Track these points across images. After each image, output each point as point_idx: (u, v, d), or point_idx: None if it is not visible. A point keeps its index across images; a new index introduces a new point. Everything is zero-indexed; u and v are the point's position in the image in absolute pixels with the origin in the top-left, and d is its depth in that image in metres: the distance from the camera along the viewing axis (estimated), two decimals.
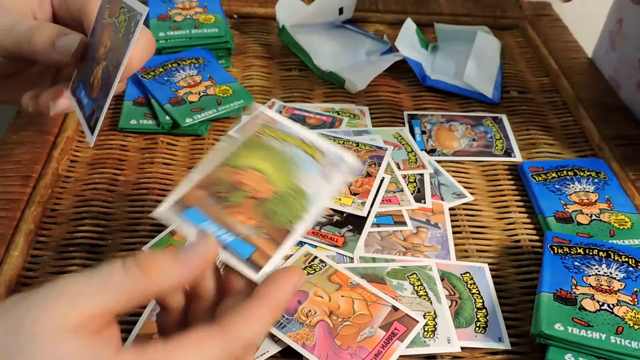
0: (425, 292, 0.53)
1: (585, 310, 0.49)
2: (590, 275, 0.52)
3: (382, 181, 0.63)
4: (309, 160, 0.43)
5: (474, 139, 0.72)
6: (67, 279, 0.31)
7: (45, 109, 0.47)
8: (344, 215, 0.59)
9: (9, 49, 0.45)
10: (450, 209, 0.62)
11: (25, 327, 0.29)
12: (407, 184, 0.64)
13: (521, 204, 0.65)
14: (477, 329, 0.51)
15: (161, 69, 0.74)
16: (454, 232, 0.60)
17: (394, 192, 0.63)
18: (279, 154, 0.43)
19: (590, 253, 0.54)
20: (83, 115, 0.40)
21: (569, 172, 0.66)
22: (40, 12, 0.49)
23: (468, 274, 0.56)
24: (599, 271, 0.53)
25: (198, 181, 0.41)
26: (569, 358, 0.47)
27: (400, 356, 0.48)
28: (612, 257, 0.54)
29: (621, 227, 0.60)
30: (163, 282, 0.33)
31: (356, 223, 0.58)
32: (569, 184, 0.64)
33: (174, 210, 0.39)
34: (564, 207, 0.62)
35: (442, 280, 0.54)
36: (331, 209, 0.59)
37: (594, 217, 0.61)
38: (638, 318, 0.48)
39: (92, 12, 0.45)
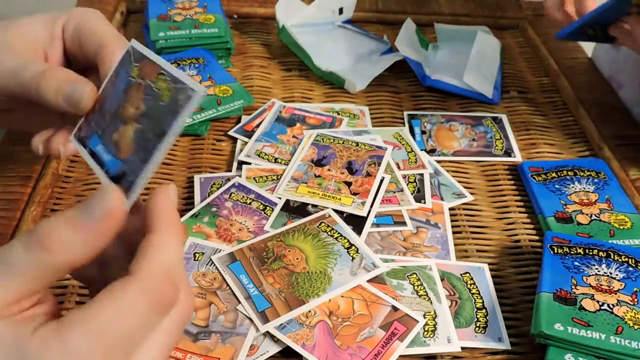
0: (425, 292, 0.53)
1: (585, 310, 0.49)
2: (590, 275, 0.52)
3: (382, 181, 0.63)
4: (347, 258, 0.54)
5: (474, 139, 0.72)
6: None
7: (55, 153, 0.46)
8: (344, 215, 0.59)
9: (15, 93, 0.44)
10: (450, 209, 0.62)
11: None
12: (407, 184, 0.64)
13: (521, 204, 0.65)
14: (477, 329, 0.51)
15: None
16: (454, 232, 0.60)
17: (394, 192, 0.62)
18: (326, 245, 0.55)
19: (590, 253, 0.54)
20: (106, 174, 0.38)
21: (569, 172, 0.66)
22: (51, 48, 0.47)
23: (468, 274, 0.56)
24: (598, 271, 0.53)
25: (251, 244, 0.55)
26: (569, 358, 0.47)
27: (400, 356, 0.48)
28: (612, 257, 0.54)
29: (621, 227, 0.60)
30: (69, 256, 0.30)
31: (356, 223, 0.58)
32: (569, 184, 0.64)
33: (222, 260, 0.54)
34: (564, 207, 0.62)
35: (442, 280, 0.54)
36: (332, 209, 0.59)
37: (594, 217, 0.61)
38: (638, 318, 0.48)
39: (109, 59, 0.42)
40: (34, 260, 0.30)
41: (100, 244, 0.31)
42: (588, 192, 0.64)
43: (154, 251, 0.32)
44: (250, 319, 0.49)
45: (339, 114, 0.74)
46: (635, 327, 0.48)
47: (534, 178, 0.66)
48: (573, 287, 0.51)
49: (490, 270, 0.57)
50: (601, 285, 0.51)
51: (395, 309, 0.51)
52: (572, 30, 0.69)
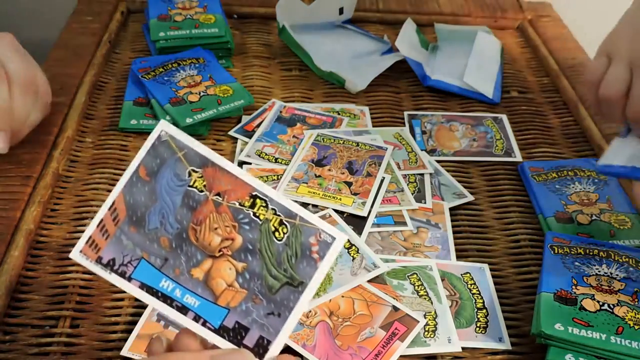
0: (426, 292, 0.53)
1: (586, 310, 0.49)
2: (590, 275, 0.52)
3: (382, 181, 0.63)
4: (348, 258, 0.53)
5: (474, 139, 0.72)
6: None
7: None
8: (345, 215, 0.59)
9: None
10: (451, 209, 0.62)
11: None
12: (408, 184, 0.64)
13: (521, 204, 0.65)
14: (477, 329, 0.51)
15: (161, 69, 0.74)
16: (454, 232, 0.60)
17: (394, 192, 0.62)
18: None
19: (591, 253, 0.54)
20: (203, 325, 0.30)
21: (569, 172, 0.66)
22: None
23: (468, 274, 0.56)
24: (599, 271, 0.53)
25: None
26: (569, 358, 0.47)
27: (400, 356, 0.48)
28: (613, 257, 0.54)
29: (621, 227, 0.60)
30: None
31: (357, 223, 0.58)
32: (569, 184, 0.65)
33: None
34: (564, 207, 0.62)
35: (442, 280, 0.54)
36: (332, 209, 0.59)
37: (594, 217, 0.61)
38: (638, 318, 0.48)
39: None
40: None
41: None
42: (588, 192, 0.64)
43: None
44: None
45: (339, 114, 0.74)
46: (636, 327, 0.48)
47: (534, 178, 0.66)
48: (573, 287, 0.51)
49: (491, 270, 0.57)
50: (601, 285, 0.51)
51: (395, 309, 0.51)
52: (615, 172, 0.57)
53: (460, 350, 0.49)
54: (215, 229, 0.31)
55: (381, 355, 0.47)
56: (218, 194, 0.30)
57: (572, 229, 0.59)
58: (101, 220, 0.31)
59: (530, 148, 0.72)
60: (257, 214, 0.30)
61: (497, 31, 0.94)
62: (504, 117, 0.76)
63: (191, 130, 0.69)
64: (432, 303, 0.52)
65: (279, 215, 0.30)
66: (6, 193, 0.59)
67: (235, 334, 0.30)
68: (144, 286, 0.30)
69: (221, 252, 0.30)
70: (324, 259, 0.30)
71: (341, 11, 0.88)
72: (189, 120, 0.68)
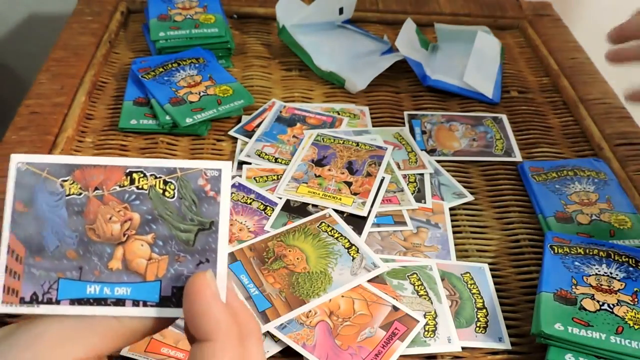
0: (426, 292, 0.53)
1: (586, 310, 0.49)
2: (590, 275, 0.52)
3: (382, 181, 0.63)
4: (348, 258, 0.54)
5: (474, 139, 0.72)
6: (50, 319, 0.30)
7: None
8: (345, 215, 0.59)
9: None
10: (451, 209, 0.62)
11: None
12: (408, 184, 0.64)
13: (521, 204, 0.65)
14: (477, 328, 0.51)
15: (161, 69, 0.74)
16: (454, 232, 0.60)
17: (394, 192, 0.62)
18: (326, 245, 0.55)
19: (591, 253, 0.54)
20: (144, 305, 0.31)
21: (569, 172, 0.66)
22: None
23: (468, 274, 0.56)
24: (599, 271, 0.53)
25: (251, 244, 0.54)
26: (569, 358, 0.47)
27: (400, 356, 0.48)
28: (612, 257, 0.54)
29: (621, 227, 0.60)
30: (147, 322, 0.31)
31: (356, 223, 0.58)
32: (569, 184, 0.65)
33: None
34: (564, 207, 0.62)
35: (442, 280, 0.54)
36: (332, 209, 0.59)
37: (594, 217, 0.61)
38: (638, 318, 0.48)
39: None
40: (114, 320, 0.30)
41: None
42: (588, 192, 0.64)
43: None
44: None
45: (339, 114, 0.74)
46: (636, 327, 0.48)
47: (534, 178, 0.66)
48: (573, 287, 0.51)
49: (491, 270, 0.57)
50: (601, 285, 0.51)
51: (395, 308, 0.51)
52: None
53: (460, 350, 0.49)
54: (110, 218, 0.31)
55: (381, 355, 0.47)
56: (96, 189, 0.31)
57: (572, 228, 0.59)
58: (6, 266, 0.31)
59: (530, 148, 0.72)
60: (140, 187, 0.31)
61: (497, 31, 0.94)
62: (504, 117, 0.76)
63: (191, 130, 0.69)
64: (432, 303, 0.52)
65: (159, 177, 0.31)
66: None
67: (178, 298, 0.31)
68: (74, 301, 0.31)
69: (126, 236, 0.31)
70: (221, 191, 0.31)
71: (341, 11, 0.88)
72: (188, 120, 0.68)
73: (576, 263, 0.53)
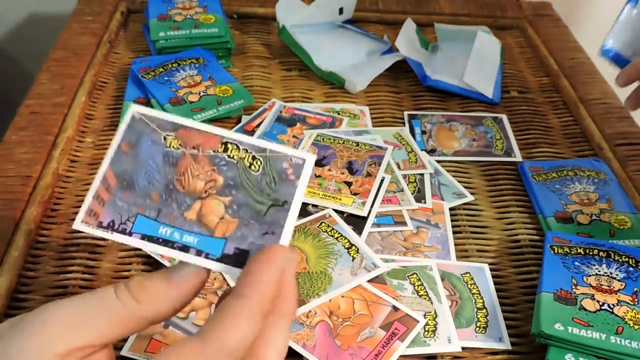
0: (426, 292, 0.53)
1: (586, 310, 0.49)
2: (590, 275, 0.52)
3: (382, 181, 0.63)
4: (348, 258, 0.54)
5: (474, 139, 0.72)
6: (57, 305, 0.30)
7: None
8: (345, 215, 0.59)
9: None
10: (451, 209, 0.62)
11: (10, 356, 0.28)
12: (408, 184, 0.64)
13: (521, 204, 0.65)
14: (477, 329, 0.51)
15: (161, 69, 0.74)
16: (454, 232, 0.60)
17: (394, 192, 0.62)
18: (326, 245, 0.55)
19: (591, 253, 0.54)
20: (206, 257, 0.33)
21: (569, 172, 0.66)
22: None
23: (468, 274, 0.56)
24: (599, 271, 0.53)
25: None
26: (569, 358, 0.47)
27: (400, 356, 0.48)
28: (612, 257, 0.54)
29: (621, 227, 0.60)
30: (158, 308, 0.31)
31: (356, 223, 0.58)
32: (569, 184, 0.65)
33: None
34: (564, 207, 0.62)
35: (442, 280, 0.54)
36: (332, 209, 0.59)
37: (594, 217, 0.61)
38: (638, 318, 0.48)
39: None
40: (124, 308, 0.31)
41: (186, 299, 0.32)
42: (588, 192, 0.64)
43: (232, 320, 0.29)
44: None
45: (339, 114, 0.74)
46: (636, 327, 0.48)
47: (534, 178, 0.66)
48: (573, 287, 0.51)
49: (491, 270, 0.57)
50: (601, 285, 0.51)
51: (395, 309, 0.51)
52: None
53: (460, 350, 0.49)
54: (197, 175, 0.34)
55: (381, 355, 0.47)
56: (193, 148, 0.34)
57: (572, 229, 0.59)
58: (96, 192, 0.34)
59: (530, 148, 0.72)
60: (231, 156, 0.34)
61: (497, 31, 0.94)
62: (504, 117, 0.76)
63: None
64: (432, 303, 0.52)
65: (250, 153, 0.34)
66: (6, 193, 0.59)
67: (237, 259, 0.33)
68: (144, 237, 0.34)
69: (207, 193, 0.34)
70: (300, 178, 0.33)
71: (341, 11, 0.88)
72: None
73: (576, 263, 0.53)
